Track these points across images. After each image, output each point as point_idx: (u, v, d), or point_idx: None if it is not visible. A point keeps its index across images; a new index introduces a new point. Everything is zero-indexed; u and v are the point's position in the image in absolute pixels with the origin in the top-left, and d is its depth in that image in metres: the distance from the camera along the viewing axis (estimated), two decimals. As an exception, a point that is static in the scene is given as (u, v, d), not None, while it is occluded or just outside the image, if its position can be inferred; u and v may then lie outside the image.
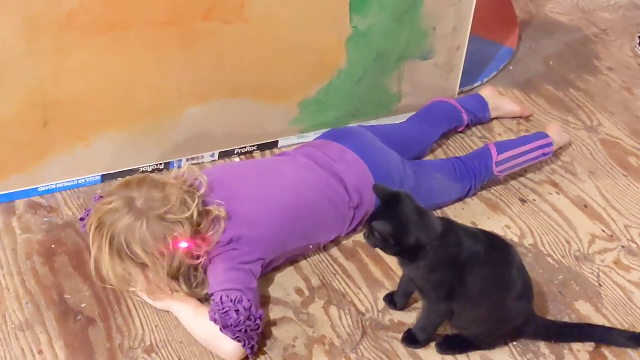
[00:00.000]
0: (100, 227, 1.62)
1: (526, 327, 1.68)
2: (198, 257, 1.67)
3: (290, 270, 1.84)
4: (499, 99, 2.35)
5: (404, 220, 1.53)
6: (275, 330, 1.71)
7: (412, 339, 1.69)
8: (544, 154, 2.13)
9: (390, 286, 1.82)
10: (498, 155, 2.05)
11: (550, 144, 2.14)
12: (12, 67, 1.78)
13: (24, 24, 1.73)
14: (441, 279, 1.58)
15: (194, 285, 1.70)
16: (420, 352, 1.70)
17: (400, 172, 1.92)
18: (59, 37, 1.77)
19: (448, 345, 1.69)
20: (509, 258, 1.63)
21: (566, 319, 1.79)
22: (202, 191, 1.68)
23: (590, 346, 1.73)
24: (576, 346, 1.73)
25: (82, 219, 1.85)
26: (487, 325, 1.66)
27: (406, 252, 1.57)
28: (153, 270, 1.64)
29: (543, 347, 1.73)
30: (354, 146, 1.92)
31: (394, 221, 1.53)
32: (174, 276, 1.69)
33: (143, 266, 1.65)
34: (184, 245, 1.62)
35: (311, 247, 1.85)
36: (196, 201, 1.65)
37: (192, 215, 1.63)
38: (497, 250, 1.64)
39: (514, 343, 1.73)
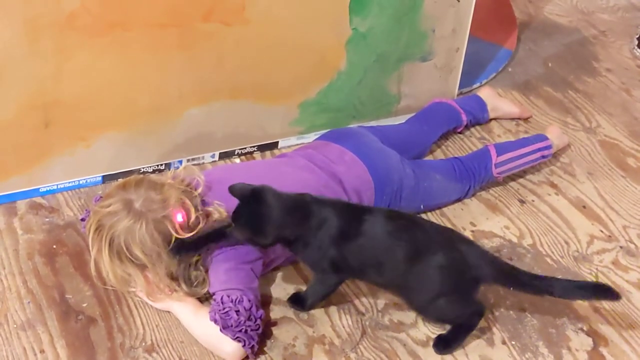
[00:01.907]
0: (99, 229, 1.63)
1: (483, 276, 1.68)
2: (197, 256, 1.68)
3: (290, 270, 1.85)
4: (497, 100, 2.36)
5: (261, 221, 1.58)
6: (275, 330, 1.72)
7: (297, 300, 1.74)
8: (543, 156, 2.14)
9: (389, 286, 1.83)
10: (497, 156, 2.06)
11: (549, 147, 2.15)
12: (12, 68, 1.79)
13: (25, 25, 1.74)
14: (319, 257, 1.64)
15: (195, 284, 1.71)
16: (420, 351, 1.71)
17: (399, 171, 1.93)
18: (59, 38, 1.78)
19: (443, 343, 1.71)
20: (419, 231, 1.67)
21: (564, 319, 1.80)
22: (200, 190, 1.69)
23: (588, 346, 1.75)
24: (574, 345, 1.74)
25: (82, 219, 1.86)
26: (444, 302, 1.67)
27: (272, 245, 1.64)
28: (152, 271, 1.65)
29: (542, 346, 1.74)
30: (353, 147, 1.93)
31: (251, 223, 1.58)
32: (173, 276, 1.69)
33: (142, 267, 1.65)
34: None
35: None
36: (195, 202, 1.66)
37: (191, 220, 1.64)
38: (404, 226, 1.67)
39: (513, 342, 1.74)
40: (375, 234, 1.64)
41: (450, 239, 1.70)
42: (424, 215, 2.01)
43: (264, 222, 1.58)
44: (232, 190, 1.60)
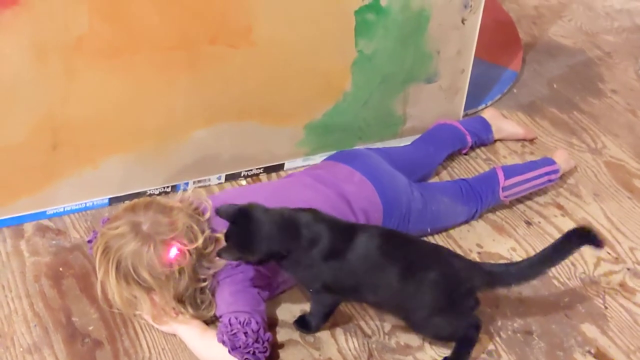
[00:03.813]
0: (106, 251, 1.62)
1: (476, 286, 1.68)
2: (204, 280, 1.68)
3: (296, 292, 1.84)
4: (501, 121, 2.37)
5: (249, 237, 1.57)
6: (282, 353, 1.72)
7: (303, 323, 1.74)
8: (550, 180, 2.14)
9: (396, 308, 1.82)
10: (505, 180, 2.06)
11: (556, 171, 2.14)
12: (21, 91, 1.80)
13: (34, 49, 1.75)
14: (312, 277, 1.64)
15: (202, 307, 1.71)
16: (426, 374, 1.71)
17: (407, 195, 1.93)
18: (68, 61, 1.79)
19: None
20: (413, 252, 1.68)
21: (572, 341, 1.79)
22: (207, 215, 1.69)
23: (594, 347, 1.75)
24: (578, 349, 1.74)
25: (89, 241, 1.86)
26: (437, 317, 1.66)
27: (264, 263, 1.63)
28: (159, 294, 1.65)
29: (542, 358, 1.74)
30: (362, 168, 1.92)
31: (240, 241, 1.58)
32: (180, 299, 1.69)
33: (149, 290, 1.65)
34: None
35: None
36: (203, 227, 1.66)
37: (198, 245, 1.64)
38: (395, 244, 1.68)
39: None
40: (368, 253, 1.64)
41: (441, 254, 1.71)
42: (430, 237, 2.00)
43: (252, 239, 1.57)
44: (219, 212, 1.60)
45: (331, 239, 1.63)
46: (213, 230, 1.68)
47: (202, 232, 1.65)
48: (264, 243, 1.58)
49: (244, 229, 1.58)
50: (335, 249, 1.63)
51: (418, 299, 1.65)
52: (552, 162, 2.15)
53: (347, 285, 1.66)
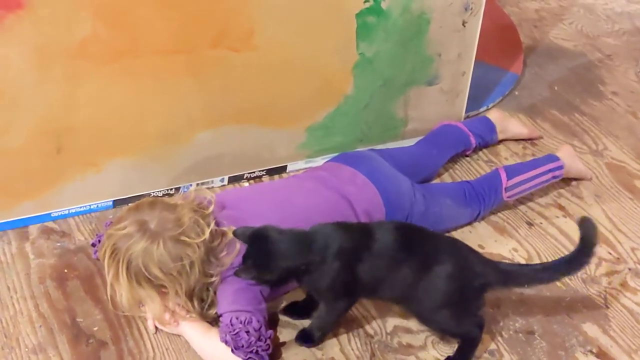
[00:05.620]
0: (115, 253, 1.63)
1: (489, 282, 1.70)
2: (212, 275, 1.69)
3: (298, 292, 1.85)
4: (506, 122, 2.36)
5: (266, 257, 1.59)
6: (284, 353, 1.73)
7: (306, 337, 1.73)
8: (554, 177, 2.13)
9: (398, 309, 1.83)
10: (508, 180, 2.06)
11: (560, 167, 2.14)
12: (24, 95, 1.81)
13: (36, 53, 1.77)
14: (333, 282, 1.64)
15: (206, 305, 1.72)
16: (429, 374, 1.71)
17: (410, 198, 1.93)
18: (70, 65, 1.81)
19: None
20: (429, 244, 1.69)
21: (573, 341, 1.80)
22: (211, 208, 1.70)
23: (595, 347, 1.75)
24: (580, 349, 1.75)
25: (93, 245, 1.87)
26: (447, 311, 1.67)
27: (282, 280, 1.64)
28: (171, 290, 1.65)
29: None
30: (365, 170, 1.93)
31: (256, 262, 1.60)
32: (190, 296, 1.69)
33: (160, 289, 1.66)
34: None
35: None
36: (208, 221, 1.67)
37: (205, 238, 1.65)
38: (413, 237, 1.69)
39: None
40: (386, 250, 1.65)
41: (457, 248, 1.71)
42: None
43: (268, 258, 1.60)
44: (235, 235, 1.63)
45: (350, 243, 1.64)
46: (219, 224, 1.69)
47: (208, 225, 1.66)
48: (279, 261, 1.60)
49: (260, 249, 1.60)
50: (356, 252, 1.63)
51: (431, 291, 1.65)
52: (555, 159, 2.14)
53: (367, 284, 1.66)
